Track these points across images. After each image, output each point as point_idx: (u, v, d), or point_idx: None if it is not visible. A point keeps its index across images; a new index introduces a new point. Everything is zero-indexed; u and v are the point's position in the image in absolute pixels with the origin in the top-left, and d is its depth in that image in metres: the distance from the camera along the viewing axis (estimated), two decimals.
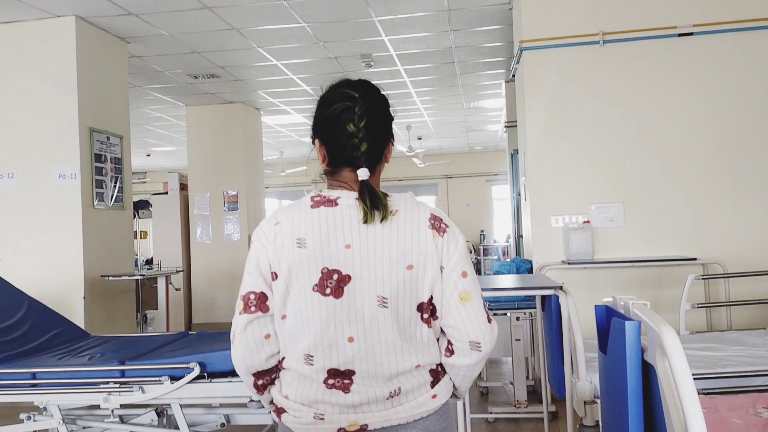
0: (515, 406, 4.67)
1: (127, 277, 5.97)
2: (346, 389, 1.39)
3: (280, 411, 1.46)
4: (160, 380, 3.43)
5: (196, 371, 3.39)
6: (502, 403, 5.00)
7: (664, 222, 5.32)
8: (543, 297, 3.66)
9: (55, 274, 5.60)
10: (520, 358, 4.67)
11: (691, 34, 5.29)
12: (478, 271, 13.69)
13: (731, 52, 5.28)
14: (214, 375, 3.48)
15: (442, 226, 1.46)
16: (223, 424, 3.94)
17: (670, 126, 5.33)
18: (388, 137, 1.54)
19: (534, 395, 4.93)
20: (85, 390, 3.50)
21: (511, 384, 4.78)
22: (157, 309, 6.84)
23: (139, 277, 6.07)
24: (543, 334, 3.90)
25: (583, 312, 3.50)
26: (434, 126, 12.56)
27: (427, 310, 1.43)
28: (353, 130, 1.46)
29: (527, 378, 5.04)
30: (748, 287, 5.06)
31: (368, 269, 1.39)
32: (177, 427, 3.63)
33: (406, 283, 1.40)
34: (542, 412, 4.08)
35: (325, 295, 1.38)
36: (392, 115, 1.56)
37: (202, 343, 3.92)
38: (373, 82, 1.56)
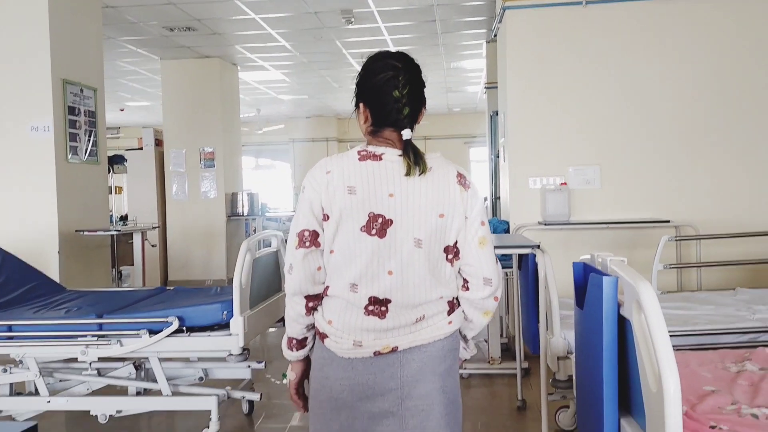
0: (489, 362, 4.76)
1: (102, 233, 5.90)
2: (382, 315, 1.64)
3: (323, 336, 1.69)
4: (138, 334, 3.43)
5: (175, 325, 3.39)
6: (476, 359, 5.09)
7: (640, 185, 5.39)
8: (519, 256, 3.71)
9: (29, 229, 5.51)
10: (495, 316, 4.75)
11: None
12: None
13: (714, 16, 5.30)
14: (192, 329, 3.49)
15: (467, 183, 1.73)
16: (201, 378, 3.97)
17: (649, 90, 5.36)
18: (423, 102, 1.75)
19: (507, 353, 5.03)
20: (62, 343, 3.49)
21: (486, 342, 4.87)
22: (132, 265, 6.80)
23: (115, 233, 6.01)
24: (519, 293, 3.97)
25: (558, 271, 3.55)
26: None
27: (452, 252, 1.70)
28: (398, 95, 1.67)
29: (501, 336, 5.13)
30: (720, 249, 5.18)
31: (407, 215, 1.64)
32: (155, 381, 3.65)
33: (438, 228, 1.66)
34: (515, 369, 4.17)
35: (371, 234, 1.63)
36: (424, 82, 1.76)
37: (180, 298, 3.92)
38: (410, 56, 1.76)
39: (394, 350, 1.64)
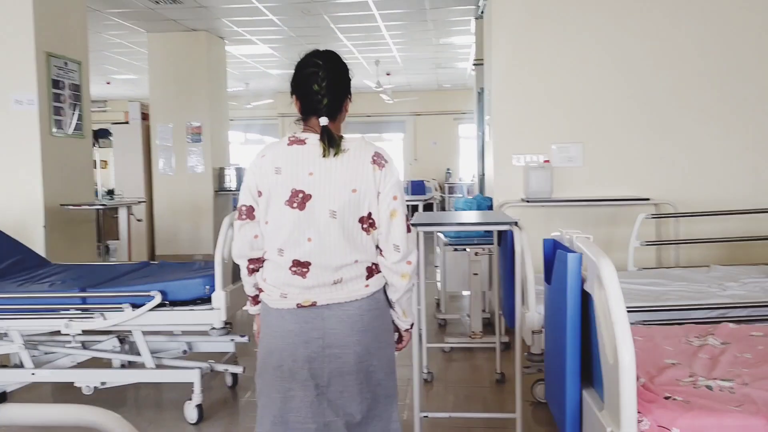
0: (470, 336, 4.84)
1: (87, 207, 5.91)
2: (303, 275, 1.92)
3: (260, 290, 2.02)
4: (121, 307, 3.47)
5: (158, 299, 3.44)
6: (459, 334, 5.18)
7: (622, 163, 5.45)
8: (499, 233, 3.76)
9: (13, 203, 5.51)
10: (477, 291, 4.82)
11: None
12: (443, 208, 13.85)
13: None
14: (175, 303, 3.54)
15: (382, 162, 1.98)
16: (185, 351, 4.03)
17: (632, 68, 5.39)
18: (345, 95, 2.03)
19: (489, 327, 5.11)
20: (45, 316, 3.53)
21: (468, 316, 4.95)
22: (118, 239, 6.81)
23: (100, 207, 6.01)
24: (499, 269, 4.03)
25: (538, 248, 3.62)
26: (403, 62, 12.42)
27: (366, 222, 1.95)
28: (317, 89, 1.95)
29: (484, 311, 5.21)
30: (698, 227, 5.26)
31: (324, 190, 1.91)
32: (139, 354, 3.70)
33: (351, 202, 1.92)
34: (495, 343, 4.25)
35: (292, 208, 1.91)
36: (350, 78, 2.06)
37: (164, 273, 3.95)
38: (336, 52, 2.06)
39: (313, 304, 1.92)
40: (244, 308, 2.18)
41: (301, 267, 1.91)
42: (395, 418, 2.04)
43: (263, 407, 2.01)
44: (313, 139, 1.94)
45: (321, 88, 1.95)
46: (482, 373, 4.35)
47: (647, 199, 5.15)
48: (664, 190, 5.34)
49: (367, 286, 1.95)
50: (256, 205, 1.98)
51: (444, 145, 16.63)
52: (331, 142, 1.92)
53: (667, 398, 1.63)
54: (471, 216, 4.16)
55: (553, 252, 2.08)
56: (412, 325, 2.15)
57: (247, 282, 2.07)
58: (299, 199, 1.91)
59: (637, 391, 1.69)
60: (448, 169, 16.35)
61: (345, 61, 2.06)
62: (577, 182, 5.50)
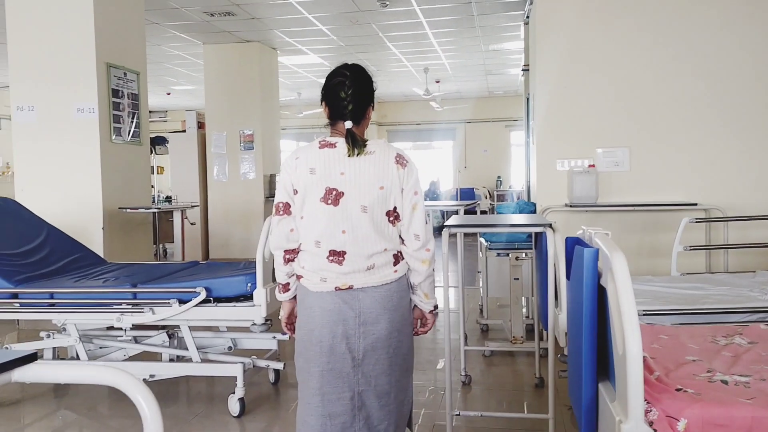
0: (511, 341, 4.84)
1: (143, 210, 6.18)
2: (340, 263, 2.15)
3: (299, 277, 2.24)
4: (169, 303, 3.64)
5: (202, 295, 3.59)
6: (501, 339, 5.18)
7: (670, 168, 5.36)
8: (535, 237, 3.77)
9: (74, 206, 5.81)
10: (518, 296, 4.82)
11: None
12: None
13: None
14: (219, 300, 3.69)
15: (404, 161, 2.22)
16: (230, 347, 4.19)
17: (678, 72, 5.31)
18: (368, 103, 2.27)
19: (533, 333, 5.09)
20: (99, 310, 3.73)
21: (510, 322, 4.95)
22: (173, 242, 7.08)
23: (155, 210, 6.27)
24: (536, 273, 4.03)
25: None
26: (452, 69, 12.46)
27: (392, 215, 2.20)
28: (344, 95, 2.20)
29: (528, 317, 5.20)
30: (750, 233, 5.12)
31: (355, 188, 2.15)
32: (186, 348, 3.87)
33: (379, 197, 2.17)
34: (535, 347, 4.24)
35: (327, 204, 2.15)
36: (374, 89, 2.31)
37: (210, 271, 4.12)
38: (362, 65, 2.32)
39: (350, 287, 2.15)
40: (277, 296, 2.38)
41: (337, 256, 2.15)
42: (411, 390, 2.34)
43: (303, 381, 2.24)
44: (342, 143, 2.18)
45: (347, 96, 2.19)
46: (521, 377, 4.35)
47: (694, 204, 5.05)
48: (713, 195, 5.23)
49: (395, 271, 2.20)
50: (292, 202, 2.21)
51: (495, 152, 16.54)
52: (355, 143, 2.16)
53: (678, 390, 1.64)
54: (507, 219, 4.18)
55: (573, 249, 2.11)
56: (435, 306, 2.33)
57: (282, 270, 2.28)
58: (333, 196, 2.14)
59: (650, 383, 1.71)
60: (499, 177, 16.25)
61: (370, 74, 2.31)
62: (623, 187, 5.44)
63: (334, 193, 2.14)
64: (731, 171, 5.25)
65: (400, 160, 2.20)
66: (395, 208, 2.18)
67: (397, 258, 2.22)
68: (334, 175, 2.15)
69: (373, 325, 2.15)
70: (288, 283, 2.30)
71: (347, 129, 2.18)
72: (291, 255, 2.26)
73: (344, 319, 2.15)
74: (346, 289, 2.15)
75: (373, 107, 2.30)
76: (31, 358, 0.97)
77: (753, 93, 5.22)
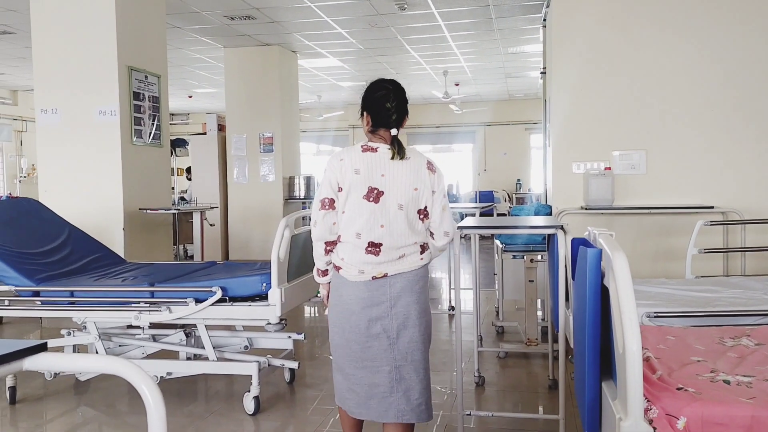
0: (526, 343, 4.84)
1: (163, 211, 6.28)
2: (377, 254, 2.45)
3: (338, 268, 2.52)
4: (185, 302, 3.71)
5: (218, 294, 3.65)
6: (515, 341, 5.19)
7: (687, 171, 5.33)
8: (548, 239, 3.78)
9: (96, 206, 5.92)
10: (533, 298, 4.82)
11: None
12: None
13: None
14: (235, 299, 3.75)
15: (434, 168, 2.55)
16: (246, 347, 4.24)
17: (696, 74, 5.28)
18: (406, 113, 2.57)
19: (548, 335, 5.09)
20: (117, 308, 3.81)
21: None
22: (193, 243, 7.18)
23: (175, 211, 6.36)
24: (548, 274, 4.04)
25: None
26: (472, 72, 12.46)
27: (423, 213, 2.52)
28: (389, 106, 2.49)
29: (543, 319, 5.19)
30: None
31: (393, 188, 2.45)
32: (203, 347, 3.93)
33: (413, 197, 2.48)
34: (548, 349, 4.24)
35: (369, 201, 2.45)
36: (407, 100, 2.58)
37: (226, 271, 4.19)
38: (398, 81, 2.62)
39: (385, 275, 2.46)
40: (316, 279, 2.66)
41: (375, 247, 2.45)
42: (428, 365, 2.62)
43: (342, 357, 2.54)
44: (383, 148, 2.48)
45: (392, 106, 2.49)
46: (535, 379, 4.35)
47: (711, 207, 5.01)
48: (731, 198, 5.19)
49: (421, 259, 2.53)
50: (336, 198, 2.48)
51: (515, 155, 16.49)
52: (400, 149, 2.48)
53: (679, 389, 1.65)
54: (520, 221, 4.20)
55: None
56: None
57: (322, 259, 2.57)
58: (374, 195, 2.45)
59: (651, 382, 1.72)
60: (519, 180, 16.19)
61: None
62: (640, 190, 5.42)
63: (376, 191, 2.44)
64: (749, 174, 5.21)
65: (431, 166, 2.53)
66: (426, 207, 2.50)
67: (423, 248, 2.54)
68: (376, 176, 2.44)
69: (405, 307, 2.47)
70: (327, 270, 2.59)
71: (393, 135, 2.50)
72: (331, 246, 2.54)
73: (378, 304, 2.46)
74: (381, 277, 2.46)
75: (407, 117, 2.57)
76: (41, 348, 1.02)
77: None
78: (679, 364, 1.90)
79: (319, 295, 2.75)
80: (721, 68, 5.24)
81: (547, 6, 5.83)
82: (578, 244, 2.16)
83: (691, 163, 5.31)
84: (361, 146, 2.50)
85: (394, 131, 2.49)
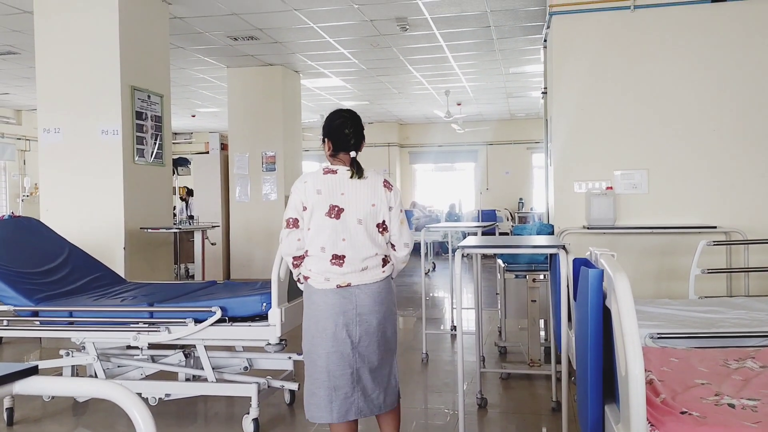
0: (528, 364, 4.80)
1: (164, 230, 6.27)
2: (340, 265, 2.70)
3: (306, 277, 2.78)
4: (185, 322, 3.68)
5: (218, 315, 3.62)
6: (518, 362, 5.14)
7: (689, 190, 5.31)
8: (550, 260, 3.76)
9: (97, 225, 5.91)
10: (535, 318, 4.78)
11: (724, 0, 5.19)
12: None
13: (763, 19, 5.17)
14: (235, 319, 3.72)
15: (390, 186, 2.83)
16: (246, 368, 4.20)
17: (697, 94, 5.28)
18: (363, 138, 2.87)
19: (551, 356, 5.04)
20: (116, 329, 3.78)
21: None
22: (194, 262, 7.15)
23: (176, 231, 6.35)
24: (551, 294, 4.01)
25: None
26: (473, 91, 12.51)
27: (382, 227, 2.79)
28: (348, 132, 2.80)
29: (546, 340, 5.15)
30: None
31: (353, 205, 2.72)
32: (203, 368, 3.89)
33: (371, 212, 2.75)
34: (551, 371, 4.20)
35: (331, 218, 2.71)
36: (364, 126, 2.90)
37: (227, 291, 4.16)
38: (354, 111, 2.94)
39: (349, 285, 2.71)
40: (298, 285, 2.91)
41: (338, 259, 2.69)
42: (395, 365, 2.85)
43: (311, 362, 2.75)
44: (342, 170, 2.77)
45: (350, 132, 2.79)
46: (538, 401, 4.30)
47: (714, 227, 4.99)
48: (734, 218, 5.16)
49: (383, 271, 2.78)
50: (301, 218, 2.75)
51: (517, 174, 16.51)
52: (359, 169, 2.77)
53: (683, 413, 1.62)
54: (522, 241, 4.18)
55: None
56: None
57: (294, 272, 2.86)
58: (335, 212, 2.71)
59: (655, 406, 1.69)
60: (521, 199, 16.19)
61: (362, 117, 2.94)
62: (642, 209, 5.40)
63: (336, 209, 2.71)
64: (752, 193, 5.19)
65: (387, 184, 2.82)
66: (384, 221, 2.78)
67: (385, 261, 2.80)
68: (336, 195, 2.72)
69: (368, 315, 2.72)
70: (303, 277, 2.84)
71: (353, 157, 2.79)
72: (298, 261, 2.81)
73: (344, 311, 2.70)
74: (345, 286, 2.71)
75: (364, 142, 2.88)
76: (32, 371, 1.00)
77: None
78: (682, 387, 1.87)
79: None
80: (722, 87, 5.24)
81: (548, 27, 5.85)
82: (580, 264, 2.14)
83: (693, 182, 5.30)
84: (323, 169, 2.78)
85: (353, 154, 2.78)
